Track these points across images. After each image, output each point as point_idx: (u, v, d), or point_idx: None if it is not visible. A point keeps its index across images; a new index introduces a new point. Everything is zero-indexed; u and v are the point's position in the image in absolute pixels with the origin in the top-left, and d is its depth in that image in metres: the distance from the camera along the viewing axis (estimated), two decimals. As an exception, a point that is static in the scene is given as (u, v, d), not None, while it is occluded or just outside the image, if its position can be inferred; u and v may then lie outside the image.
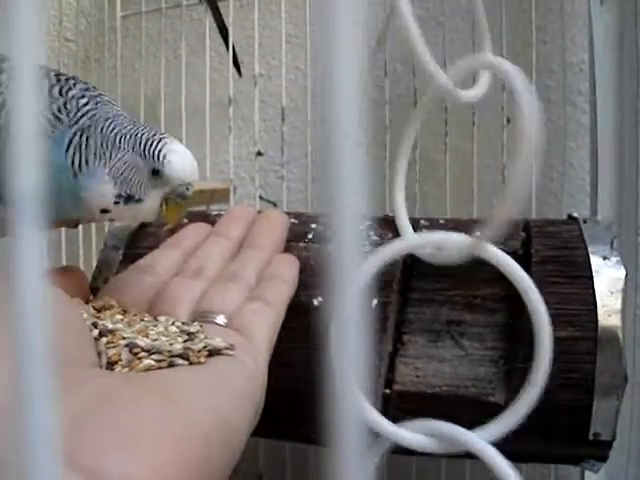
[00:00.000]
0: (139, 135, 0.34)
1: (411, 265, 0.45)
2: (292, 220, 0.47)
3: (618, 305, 0.38)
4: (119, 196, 0.34)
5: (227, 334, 0.33)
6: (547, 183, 0.60)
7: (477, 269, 0.42)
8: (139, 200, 0.34)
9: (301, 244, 0.45)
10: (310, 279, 0.42)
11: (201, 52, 0.62)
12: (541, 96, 0.56)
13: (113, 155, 0.33)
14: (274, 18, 0.65)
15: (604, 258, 0.41)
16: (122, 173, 0.33)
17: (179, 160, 0.34)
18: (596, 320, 0.38)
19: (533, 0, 0.55)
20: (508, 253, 0.39)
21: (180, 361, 0.28)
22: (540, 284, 0.36)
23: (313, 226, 0.46)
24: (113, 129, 0.34)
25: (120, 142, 0.33)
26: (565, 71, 0.58)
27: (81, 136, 0.33)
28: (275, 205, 0.64)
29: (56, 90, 0.35)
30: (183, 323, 0.33)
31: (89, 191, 0.33)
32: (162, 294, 0.37)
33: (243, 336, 0.34)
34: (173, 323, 0.33)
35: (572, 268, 0.41)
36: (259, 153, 0.62)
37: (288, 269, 0.41)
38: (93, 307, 0.35)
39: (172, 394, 0.24)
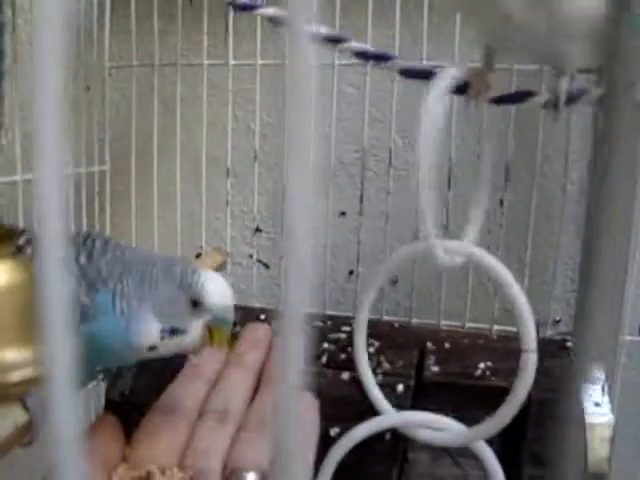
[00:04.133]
0: (173, 269, 0.35)
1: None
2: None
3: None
4: (164, 330, 0.35)
5: None
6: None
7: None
8: (183, 332, 0.35)
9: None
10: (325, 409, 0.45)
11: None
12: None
13: (153, 292, 0.35)
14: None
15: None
16: (164, 308, 0.35)
17: (216, 288, 0.35)
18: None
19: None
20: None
21: None
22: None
23: (325, 345, 0.48)
24: (146, 268, 0.35)
25: (157, 278, 0.35)
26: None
27: (121, 286, 0.35)
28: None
29: (83, 258, 0.36)
30: None
31: (138, 334, 0.35)
32: (194, 444, 0.39)
33: None
34: None
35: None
36: (258, 229, 0.62)
37: (312, 414, 0.43)
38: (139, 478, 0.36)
39: None
